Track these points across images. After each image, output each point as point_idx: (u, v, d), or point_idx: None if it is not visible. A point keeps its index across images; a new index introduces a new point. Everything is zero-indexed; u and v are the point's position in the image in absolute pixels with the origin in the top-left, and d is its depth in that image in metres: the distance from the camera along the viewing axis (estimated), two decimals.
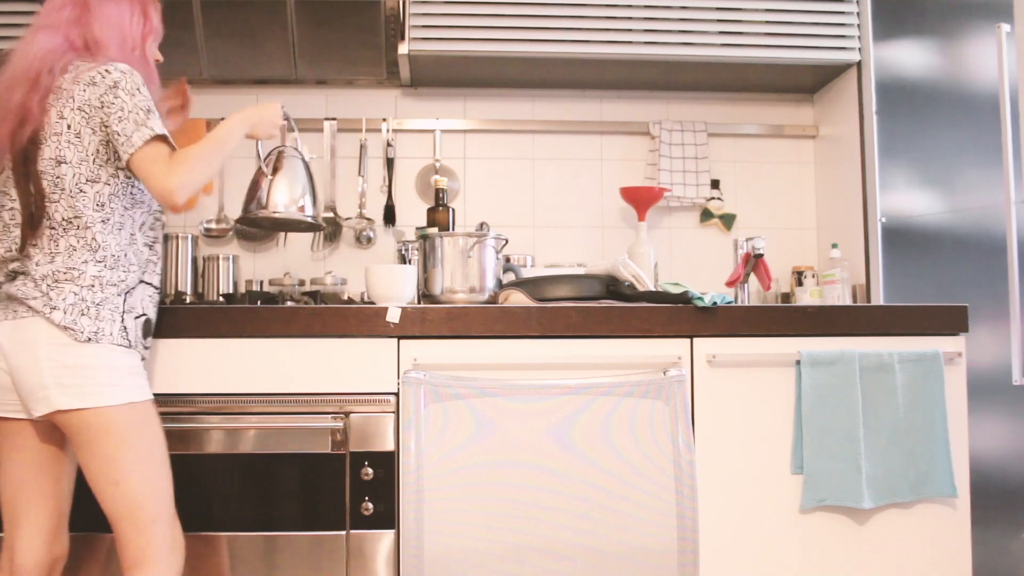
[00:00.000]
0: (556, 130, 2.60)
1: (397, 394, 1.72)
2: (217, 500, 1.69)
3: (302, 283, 2.44)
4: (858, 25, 2.37)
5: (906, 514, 1.80)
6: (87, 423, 1.39)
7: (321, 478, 1.69)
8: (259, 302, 2.02)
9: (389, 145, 2.53)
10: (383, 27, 2.28)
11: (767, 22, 2.35)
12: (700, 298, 1.76)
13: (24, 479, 1.49)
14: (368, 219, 2.52)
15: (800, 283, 2.37)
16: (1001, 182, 1.95)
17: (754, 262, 2.25)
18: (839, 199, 2.49)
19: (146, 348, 1.52)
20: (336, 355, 1.71)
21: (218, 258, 2.42)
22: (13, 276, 1.45)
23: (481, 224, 2.47)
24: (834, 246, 2.38)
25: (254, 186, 1.83)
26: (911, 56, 2.28)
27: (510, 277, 2.13)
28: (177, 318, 1.69)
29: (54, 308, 1.38)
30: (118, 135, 1.42)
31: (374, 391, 1.72)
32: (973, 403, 1.85)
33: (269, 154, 1.84)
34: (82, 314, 1.40)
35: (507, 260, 2.38)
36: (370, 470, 1.70)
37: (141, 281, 1.51)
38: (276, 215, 1.81)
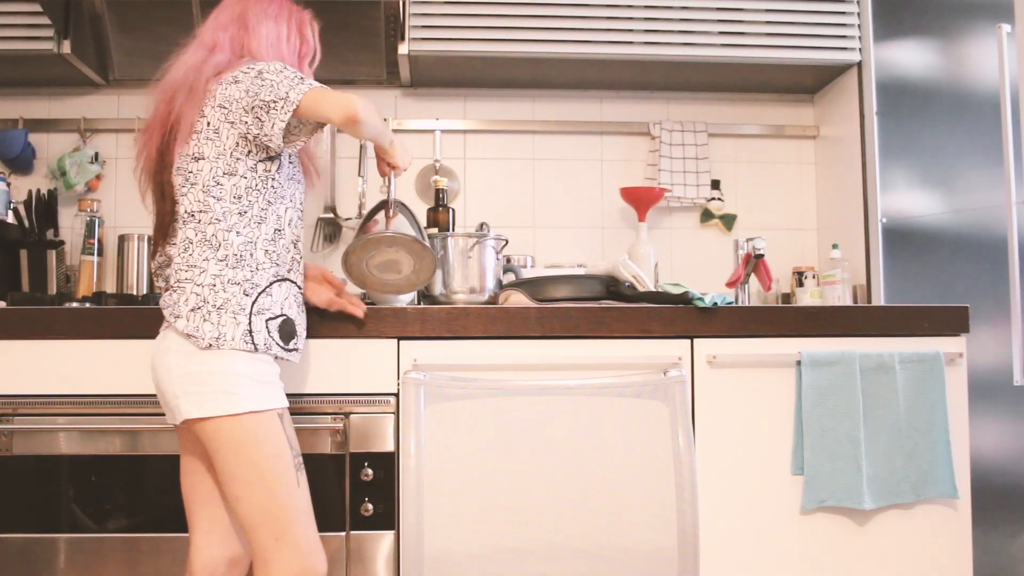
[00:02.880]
0: (556, 130, 2.60)
1: (397, 395, 1.72)
2: None
3: None
4: (858, 25, 2.37)
5: (907, 515, 1.79)
6: (209, 433, 1.36)
7: (321, 479, 1.69)
8: None
9: None
10: (383, 27, 2.28)
11: (768, 22, 2.35)
12: (700, 298, 1.76)
13: (195, 481, 1.50)
14: None
15: (801, 283, 2.37)
16: (1002, 182, 1.95)
17: (754, 262, 2.24)
18: (840, 199, 2.49)
19: (288, 351, 1.46)
20: (336, 356, 1.71)
21: None
22: (166, 286, 1.47)
23: (481, 224, 2.46)
24: (835, 247, 2.38)
25: (369, 223, 1.75)
26: (911, 56, 2.28)
27: (510, 277, 2.13)
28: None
29: (178, 316, 1.37)
30: (274, 103, 1.39)
31: (374, 392, 1.71)
32: (974, 404, 1.84)
33: (388, 203, 1.72)
34: (204, 320, 1.36)
35: (507, 260, 2.37)
36: (370, 471, 1.70)
37: (285, 279, 1.47)
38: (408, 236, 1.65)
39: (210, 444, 1.38)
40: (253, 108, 1.41)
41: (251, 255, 1.43)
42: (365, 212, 2.51)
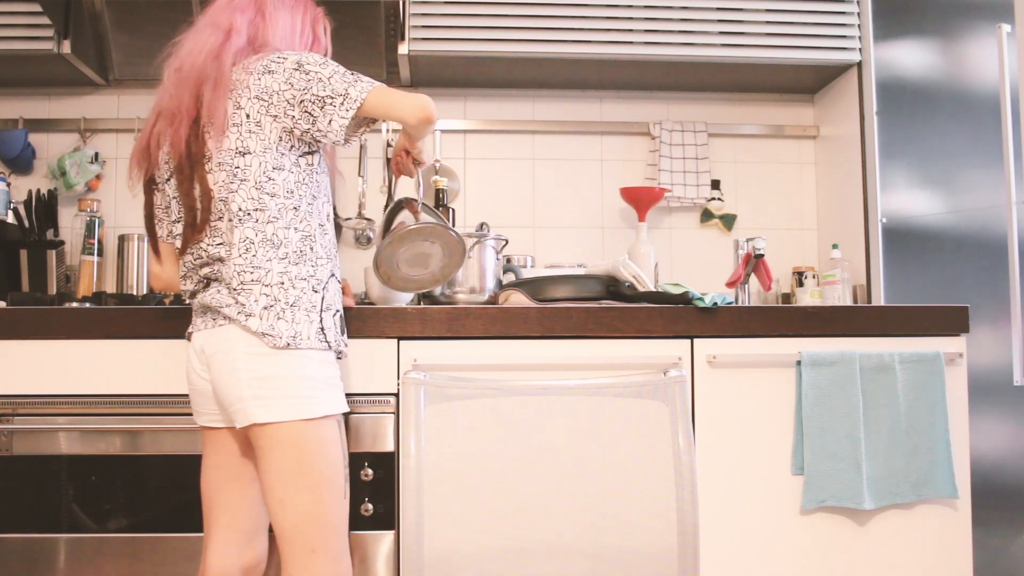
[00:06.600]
0: (556, 130, 2.60)
1: (397, 395, 1.72)
2: None
3: None
4: (858, 25, 2.37)
5: (907, 515, 1.79)
6: (272, 435, 1.32)
7: None
8: None
9: (389, 145, 2.53)
10: (383, 27, 2.28)
11: (768, 22, 2.35)
12: (700, 298, 1.76)
13: (220, 484, 1.47)
14: (368, 219, 2.51)
15: (801, 283, 2.37)
16: (1002, 182, 1.95)
17: (754, 262, 2.24)
18: (840, 199, 2.49)
19: (346, 345, 1.46)
20: None
21: None
22: (207, 283, 1.42)
23: (481, 224, 2.46)
24: (835, 246, 2.38)
25: (396, 222, 1.69)
26: (911, 56, 2.28)
27: (510, 277, 2.13)
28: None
29: (249, 315, 1.32)
30: (331, 99, 1.36)
31: (374, 391, 1.71)
32: (974, 404, 1.84)
33: (417, 198, 1.69)
34: (278, 318, 1.33)
35: (507, 260, 2.37)
36: (370, 471, 1.70)
37: (333, 274, 1.45)
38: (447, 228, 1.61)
39: (267, 446, 1.33)
40: (301, 102, 1.36)
41: (311, 249, 1.40)
42: (364, 212, 2.51)
